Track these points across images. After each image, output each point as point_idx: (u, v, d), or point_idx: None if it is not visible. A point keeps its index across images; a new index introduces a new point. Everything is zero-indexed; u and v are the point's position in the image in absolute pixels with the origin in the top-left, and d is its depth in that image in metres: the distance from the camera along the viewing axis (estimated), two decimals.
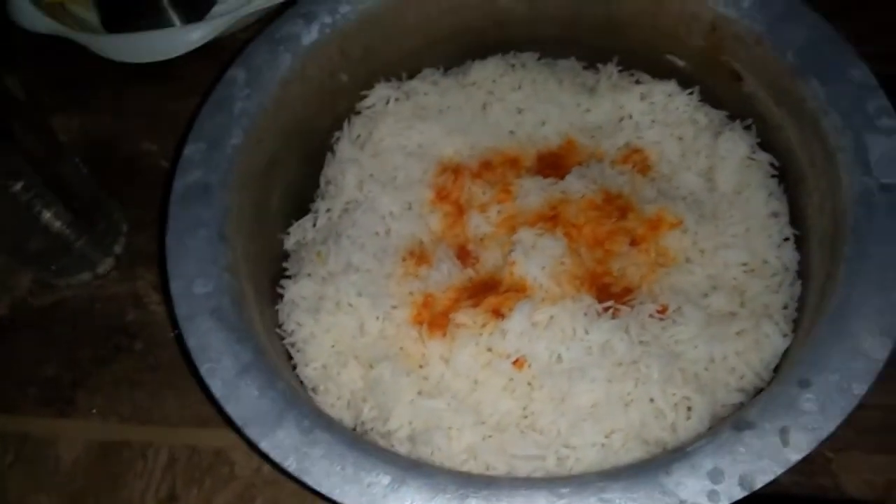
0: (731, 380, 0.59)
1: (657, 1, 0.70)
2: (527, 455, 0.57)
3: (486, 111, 0.74)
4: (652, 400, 0.57)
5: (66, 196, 0.73)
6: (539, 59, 0.77)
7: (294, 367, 0.64)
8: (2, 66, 0.76)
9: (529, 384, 0.59)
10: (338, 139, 0.74)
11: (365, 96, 0.75)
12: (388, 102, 0.74)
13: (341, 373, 0.63)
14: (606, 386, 0.58)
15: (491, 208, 0.68)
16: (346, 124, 0.74)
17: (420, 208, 0.69)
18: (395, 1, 0.72)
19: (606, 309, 0.61)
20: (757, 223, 0.66)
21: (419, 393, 0.60)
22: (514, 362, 0.59)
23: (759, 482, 0.47)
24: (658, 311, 0.61)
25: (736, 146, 0.68)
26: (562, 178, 0.69)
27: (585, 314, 0.60)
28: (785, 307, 0.62)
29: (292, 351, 0.64)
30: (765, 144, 0.69)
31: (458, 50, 0.77)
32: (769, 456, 0.47)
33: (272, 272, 0.69)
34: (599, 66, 0.76)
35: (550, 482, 0.48)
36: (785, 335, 0.60)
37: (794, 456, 0.47)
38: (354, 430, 0.62)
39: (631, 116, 0.73)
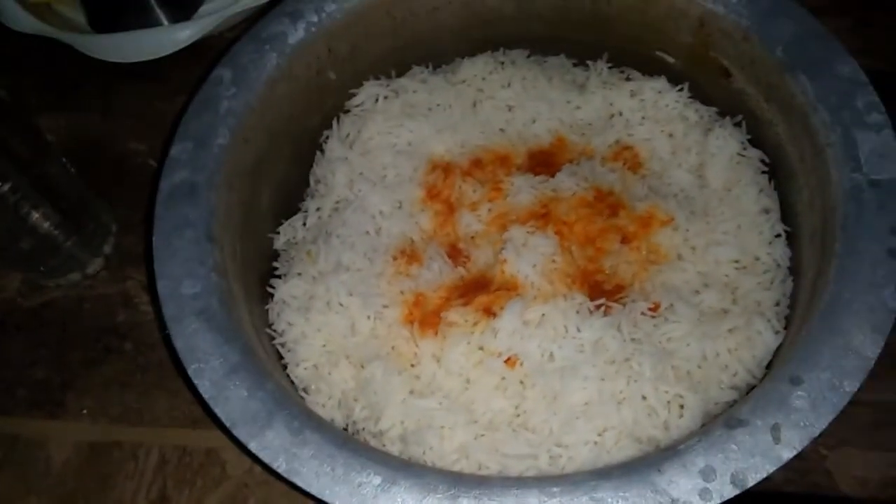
0: (724, 377, 0.59)
1: None
2: (519, 454, 0.57)
3: (475, 109, 0.74)
4: (644, 398, 0.57)
5: (54, 197, 0.73)
6: (528, 56, 0.76)
7: (285, 367, 0.64)
8: None
9: (521, 383, 0.59)
10: (327, 138, 0.74)
11: (353, 94, 0.74)
12: (376, 100, 0.74)
13: (332, 372, 0.62)
14: (599, 384, 0.58)
15: (482, 206, 0.68)
16: (335, 123, 0.73)
17: (410, 207, 0.69)
18: None
19: (598, 307, 0.61)
20: (748, 220, 0.66)
21: (411, 392, 0.60)
22: (506, 361, 0.59)
23: (752, 480, 0.47)
24: (650, 309, 0.61)
25: (726, 143, 0.68)
26: (552, 175, 0.69)
27: (577, 312, 0.60)
28: (777, 304, 0.62)
29: (283, 351, 0.64)
30: (755, 141, 0.69)
31: (447, 47, 0.76)
32: (761, 453, 0.47)
33: (262, 272, 0.69)
34: (589, 63, 0.76)
35: (542, 481, 0.48)
36: (777, 332, 0.60)
37: (786, 453, 0.47)
38: (346, 429, 0.62)
39: (621, 113, 0.73)
